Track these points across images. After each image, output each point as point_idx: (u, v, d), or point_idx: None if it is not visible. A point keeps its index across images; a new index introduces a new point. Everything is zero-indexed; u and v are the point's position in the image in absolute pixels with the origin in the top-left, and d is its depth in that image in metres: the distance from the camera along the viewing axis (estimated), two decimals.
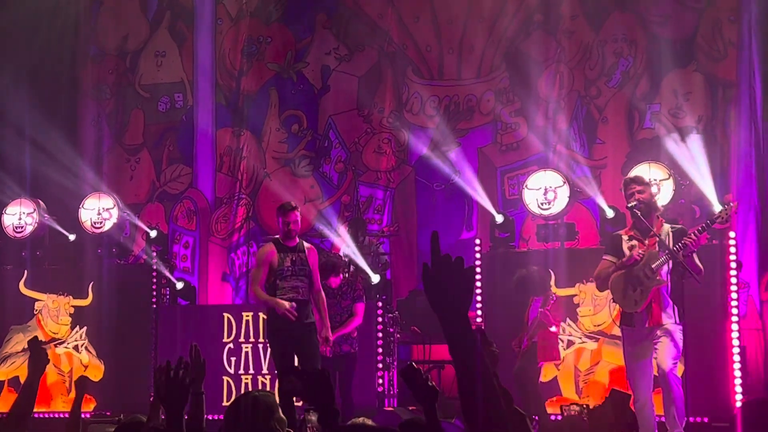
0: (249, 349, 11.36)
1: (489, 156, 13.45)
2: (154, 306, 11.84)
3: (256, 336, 11.33)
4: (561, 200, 11.01)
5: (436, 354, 11.99)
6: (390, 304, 11.70)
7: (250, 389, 11.01)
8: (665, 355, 8.01)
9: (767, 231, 11.82)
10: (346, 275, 10.69)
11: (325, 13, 14.23)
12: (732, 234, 10.04)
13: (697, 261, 8.13)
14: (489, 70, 13.52)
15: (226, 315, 11.55)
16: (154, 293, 11.92)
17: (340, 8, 14.17)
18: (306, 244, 9.07)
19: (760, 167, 11.90)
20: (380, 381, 10.86)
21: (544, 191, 11.09)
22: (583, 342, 10.39)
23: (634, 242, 8.24)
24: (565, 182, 11.09)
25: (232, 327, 11.43)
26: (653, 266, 8.07)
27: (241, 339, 11.40)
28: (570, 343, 10.43)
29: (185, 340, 11.12)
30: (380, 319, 10.96)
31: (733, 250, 9.94)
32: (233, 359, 11.36)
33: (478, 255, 10.93)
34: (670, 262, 8.06)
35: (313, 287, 8.92)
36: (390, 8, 13.95)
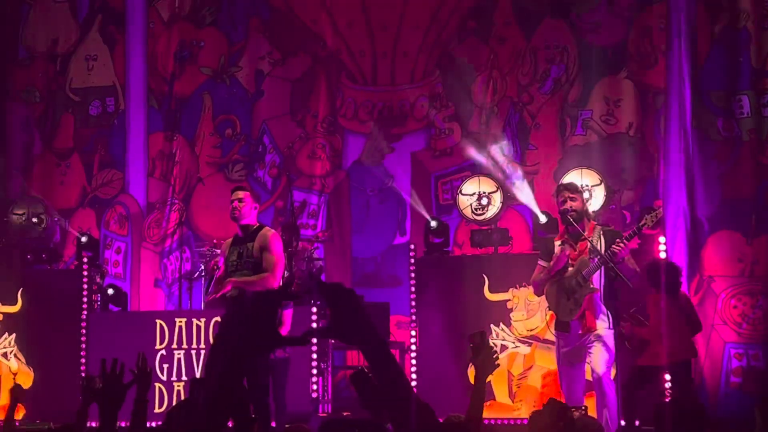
0: (181, 356, 11.25)
1: (423, 161, 13.48)
2: (85, 312, 11.69)
3: (189, 342, 11.23)
4: (494, 206, 11.10)
5: None
6: (324, 309, 11.66)
7: (182, 397, 10.93)
8: (599, 359, 8.12)
9: (696, 236, 11.99)
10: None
11: (258, 17, 14.16)
12: (662, 239, 10.19)
13: (631, 264, 8.23)
14: (422, 75, 13.57)
15: (158, 321, 11.43)
16: (85, 299, 11.77)
17: (274, 13, 14.11)
18: (265, 231, 8.50)
19: (690, 173, 12.06)
20: (315, 387, 10.82)
21: (478, 197, 11.17)
22: (516, 347, 10.46)
23: (565, 246, 8.32)
24: (498, 188, 11.18)
25: (164, 333, 11.32)
26: (584, 273, 8.15)
27: (174, 345, 11.29)
28: (503, 348, 10.49)
29: (116, 347, 10.98)
30: (314, 325, 10.92)
31: (663, 255, 10.08)
32: (166, 366, 11.25)
33: (412, 260, 10.97)
34: (603, 267, 8.16)
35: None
36: (324, 13, 13.93)
